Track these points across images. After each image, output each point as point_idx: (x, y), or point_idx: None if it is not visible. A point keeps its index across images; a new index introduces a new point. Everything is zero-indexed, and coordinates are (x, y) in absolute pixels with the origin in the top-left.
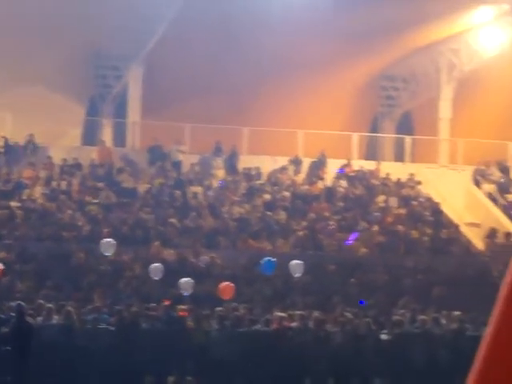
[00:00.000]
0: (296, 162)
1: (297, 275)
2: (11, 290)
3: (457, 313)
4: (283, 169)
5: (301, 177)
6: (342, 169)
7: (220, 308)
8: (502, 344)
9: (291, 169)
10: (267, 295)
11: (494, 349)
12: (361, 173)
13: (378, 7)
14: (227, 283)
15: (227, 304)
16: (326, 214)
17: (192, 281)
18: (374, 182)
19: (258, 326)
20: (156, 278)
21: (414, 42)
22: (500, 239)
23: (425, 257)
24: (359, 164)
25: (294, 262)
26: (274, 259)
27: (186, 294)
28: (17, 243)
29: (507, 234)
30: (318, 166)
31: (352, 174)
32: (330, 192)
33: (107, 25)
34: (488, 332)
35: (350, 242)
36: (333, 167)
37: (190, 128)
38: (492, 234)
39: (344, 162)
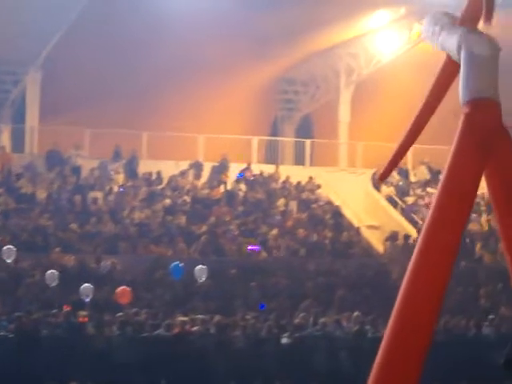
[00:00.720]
0: (196, 167)
1: (201, 280)
2: None
3: (357, 314)
4: (183, 173)
5: (201, 181)
6: (241, 173)
7: (121, 313)
8: (398, 346)
9: (192, 173)
10: (169, 300)
11: (391, 350)
12: (261, 176)
13: (277, 10)
14: (123, 287)
15: (128, 309)
16: (227, 218)
17: (92, 286)
18: (274, 185)
19: (159, 331)
20: (52, 285)
21: (313, 46)
22: (399, 242)
23: (326, 260)
24: (259, 168)
25: (199, 266)
26: (182, 264)
27: (86, 299)
28: None
29: (406, 237)
30: (218, 171)
31: (252, 177)
32: (230, 196)
33: (4, 30)
34: (386, 334)
35: (253, 250)
36: (234, 171)
37: (89, 133)
38: (391, 236)
39: (244, 165)
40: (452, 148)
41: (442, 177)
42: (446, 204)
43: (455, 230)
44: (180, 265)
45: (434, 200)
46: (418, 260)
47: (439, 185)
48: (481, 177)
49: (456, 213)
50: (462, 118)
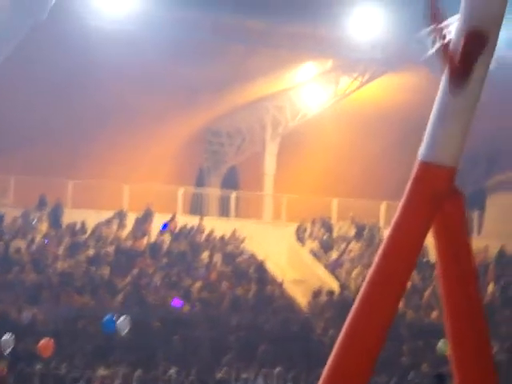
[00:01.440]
0: (121, 217)
1: (124, 332)
2: None
3: (279, 369)
4: (108, 223)
5: (125, 232)
6: (166, 224)
7: (41, 366)
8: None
9: (116, 223)
10: (91, 352)
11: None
12: (185, 228)
13: (205, 62)
14: (47, 339)
15: (49, 361)
16: (151, 270)
17: (12, 337)
18: (199, 237)
19: None
20: None
21: (240, 98)
22: (323, 297)
23: (249, 314)
24: (184, 219)
25: (122, 318)
26: (115, 316)
27: (6, 351)
28: None
29: (329, 293)
30: (143, 221)
31: (177, 229)
32: (154, 248)
33: None
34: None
35: (175, 304)
36: (158, 222)
37: (14, 180)
38: (315, 291)
39: (169, 216)
40: (401, 203)
41: (389, 230)
42: (391, 259)
43: (398, 284)
44: (114, 318)
45: (378, 254)
46: (359, 309)
47: (385, 238)
48: (423, 241)
49: (400, 267)
50: (414, 175)
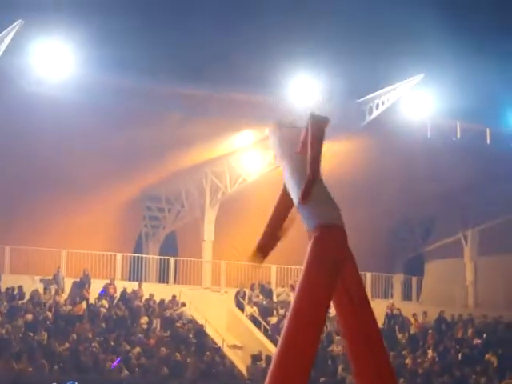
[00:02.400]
0: (59, 282)
1: None
2: None
3: None
4: (46, 288)
5: (64, 297)
6: (104, 289)
7: None
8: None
9: (54, 288)
10: None
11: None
12: (124, 293)
13: (142, 128)
14: None
15: None
16: (89, 335)
17: None
18: (138, 303)
19: None
20: None
21: (179, 164)
22: (262, 362)
23: (188, 379)
24: (123, 284)
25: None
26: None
27: None
28: None
29: (268, 358)
30: (81, 286)
31: (115, 294)
32: (92, 313)
33: None
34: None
35: (114, 365)
36: (96, 287)
37: None
38: (254, 356)
39: (107, 281)
40: (303, 270)
41: (293, 300)
42: (297, 326)
43: (306, 351)
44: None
45: (285, 323)
46: (272, 375)
47: (290, 306)
48: (330, 299)
49: (305, 335)
50: (311, 242)
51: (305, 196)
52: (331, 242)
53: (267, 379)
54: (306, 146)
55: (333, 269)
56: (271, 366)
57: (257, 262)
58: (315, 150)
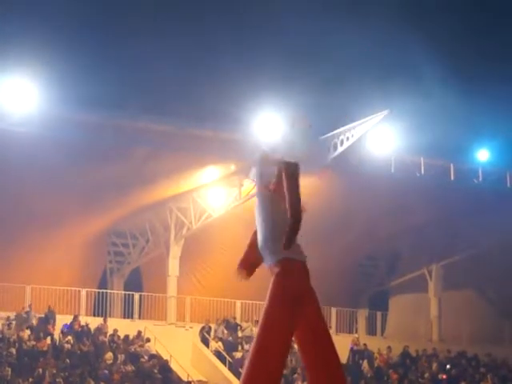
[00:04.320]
0: (23, 318)
1: None
2: None
3: None
4: (9, 324)
5: (28, 332)
6: (68, 324)
7: None
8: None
9: (18, 324)
10: None
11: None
12: (88, 329)
13: (107, 164)
14: None
15: None
16: (54, 370)
17: None
18: (102, 338)
19: None
20: None
21: (143, 200)
22: None
23: None
24: (87, 320)
25: None
26: None
27: None
28: None
29: None
30: (45, 322)
31: (79, 329)
32: (57, 348)
33: None
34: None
35: None
36: (61, 323)
37: None
38: None
39: (72, 317)
40: (264, 305)
41: (256, 334)
42: (259, 359)
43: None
44: None
45: (248, 356)
46: None
47: (253, 340)
48: (292, 334)
49: (268, 369)
50: (272, 277)
51: (288, 243)
52: (292, 277)
53: None
54: (279, 185)
55: (294, 303)
56: None
57: (243, 278)
58: (293, 195)
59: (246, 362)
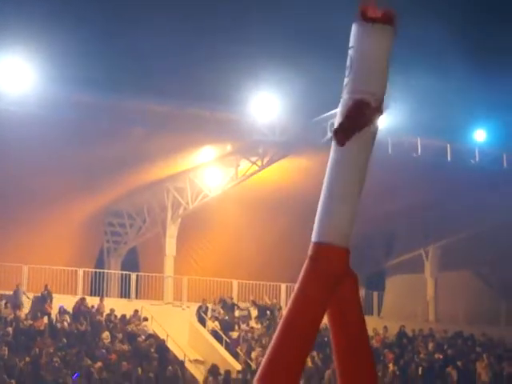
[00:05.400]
0: (20, 297)
1: None
2: None
3: None
4: (6, 304)
5: (24, 312)
6: (64, 304)
7: None
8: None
9: (15, 303)
10: None
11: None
12: (85, 308)
13: (104, 144)
14: None
15: None
16: (51, 349)
17: None
18: (99, 318)
19: None
20: None
21: (140, 180)
22: (221, 377)
23: None
24: (84, 299)
25: None
26: None
27: None
28: None
29: (227, 372)
30: (42, 301)
31: (77, 309)
32: (54, 327)
33: None
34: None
35: (73, 380)
36: (58, 302)
37: None
38: (214, 371)
39: (69, 297)
40: (296, 286)
41: (284, 313)
42: (287, 343)
43: (294, 368)
44: None
45: (274, 338)
46: None
47: (280, 322)
48: (320, 320)
49: (296, 351)
50: (307, 259)
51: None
52: (331, 259)
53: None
54: None
55: (329, 285)
56: (258, 374)
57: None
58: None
59: (273, 339)
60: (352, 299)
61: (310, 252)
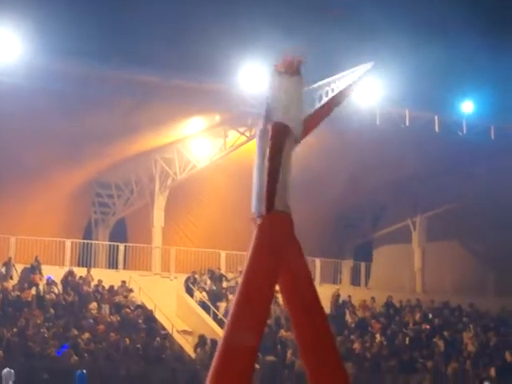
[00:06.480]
0: (8, 268)
1: None
2: None
3: None
4: None
5: (12, 283)
6: (52, 275)
7: None
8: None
9: (2, 274)
10: None
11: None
12: (73, 279)
13: (91, 114)
14: None
15: None
16: (38, 320)
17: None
18: (87, 288)
19: None
20: None
21: (128, 150)
22: (209, 347)
23: (138, 365)
24: (72, 270)
25: (5, 370)
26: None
27: None
28: None
29: (213, 342)
30: (30, 272)
31: (64, 280)
32: (41, 298)
33: None
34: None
35: (61, 352)
36: (45, 273)
37: None
38: (202, 342)
39: (57, 268)
40: (247, 256)
41: (239, 284)
42: (243, 310)
43: (251, 335)
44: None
45: (231, 307)
46: (217, 363)
47: (236, 292)
48: (275, 283)
49: (252, 318)
50: (255, 228)
51: (267, 203)
52: (276, 228)
53: (214, 361)
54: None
55: (275, 254)
56: (218, 349)
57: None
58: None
59: (230, 312)
60: (300, 264)
61: (258, 222)
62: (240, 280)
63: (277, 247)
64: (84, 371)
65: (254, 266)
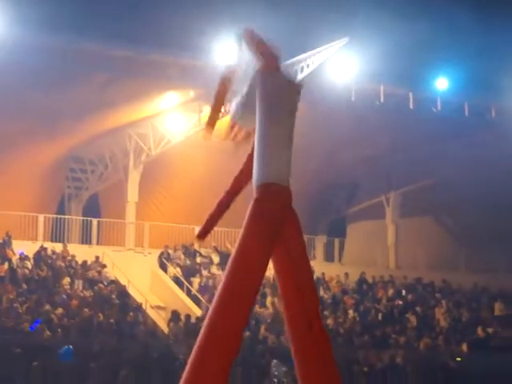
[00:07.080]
0: None
1: None
2: None
3: None
4: None
5: None
6: (24, 250)
7: None
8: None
9: None
10: None
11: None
12: (46, 254)
13: (66, 88)
14: None
15: None
16: (11, 296)
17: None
18: (60, 263)
19: None
20: None
21: (102, 125)
22: (182, 322)
23: (111, 340)
24: (45, 245)
25: None
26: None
27: None
28: None
29: (187, 317)
30: (2, 247)
31: (37, 255)
32: (14, 273)
33: None
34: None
35: (34, 327)
36: (18, 248)
37: None
38: (175, 317)
39: (29, 243)
40: (241, 231)
41: (230, 259)
42: (233, 287)
43: (241, 311)
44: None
45: (221, 283)
46: (202, 344)
47: (227, 268)
48: (268, 261)
49: (242, 295)
50: (251, 202)
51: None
52: (273, 202)
53: (199, 339)
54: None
55: (271, 227)
56: (204, 325)
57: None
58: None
59: (220, 285)
60: (297, 238)
61: (255, 195)
62: (216, 256)
63: (273, 223)
64: (71, 347)
65: (247, 241)
